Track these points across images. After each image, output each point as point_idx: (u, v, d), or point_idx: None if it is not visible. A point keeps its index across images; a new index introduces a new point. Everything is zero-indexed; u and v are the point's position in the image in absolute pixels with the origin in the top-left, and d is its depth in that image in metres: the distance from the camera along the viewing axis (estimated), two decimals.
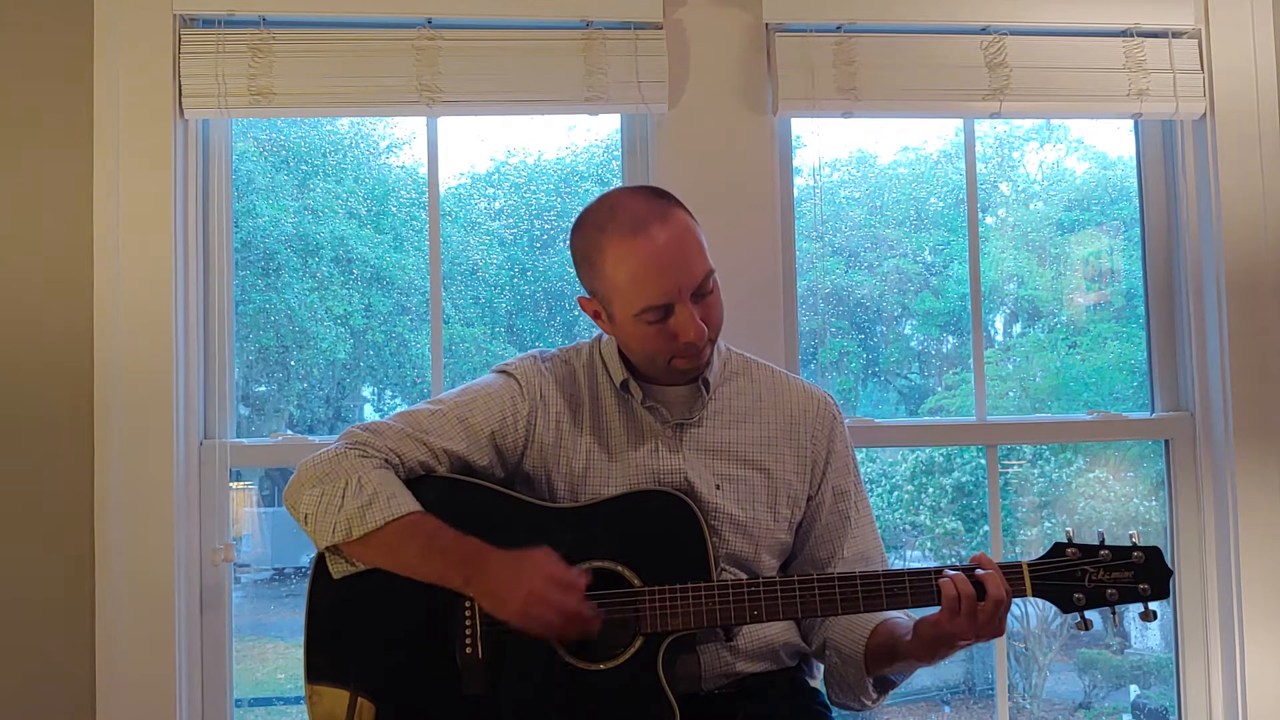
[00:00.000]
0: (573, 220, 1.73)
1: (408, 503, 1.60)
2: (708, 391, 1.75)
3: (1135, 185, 2.63)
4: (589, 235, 1.67)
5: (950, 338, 2.92)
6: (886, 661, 1.66)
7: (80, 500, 2.17)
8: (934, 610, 1.60)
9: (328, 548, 1.63)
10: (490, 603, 1.55)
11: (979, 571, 1.58)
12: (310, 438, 2.35)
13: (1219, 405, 2.45)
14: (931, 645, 1.58)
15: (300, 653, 1.64)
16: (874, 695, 1.70)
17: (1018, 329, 2.98)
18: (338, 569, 1.64)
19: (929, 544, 2.99)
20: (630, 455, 1.72)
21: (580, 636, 1.55)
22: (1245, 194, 2.45)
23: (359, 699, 1.60)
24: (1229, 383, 2.42)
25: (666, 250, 1.60)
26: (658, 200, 1.67)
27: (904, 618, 1.68)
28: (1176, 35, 2.45)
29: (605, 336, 1.80)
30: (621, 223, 1.63)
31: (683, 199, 1.71)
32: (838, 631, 1.73)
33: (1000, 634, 1.58)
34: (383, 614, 1.62)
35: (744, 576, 1.72)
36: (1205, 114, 2.47)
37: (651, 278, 1.60)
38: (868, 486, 1.88)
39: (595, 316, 1.73)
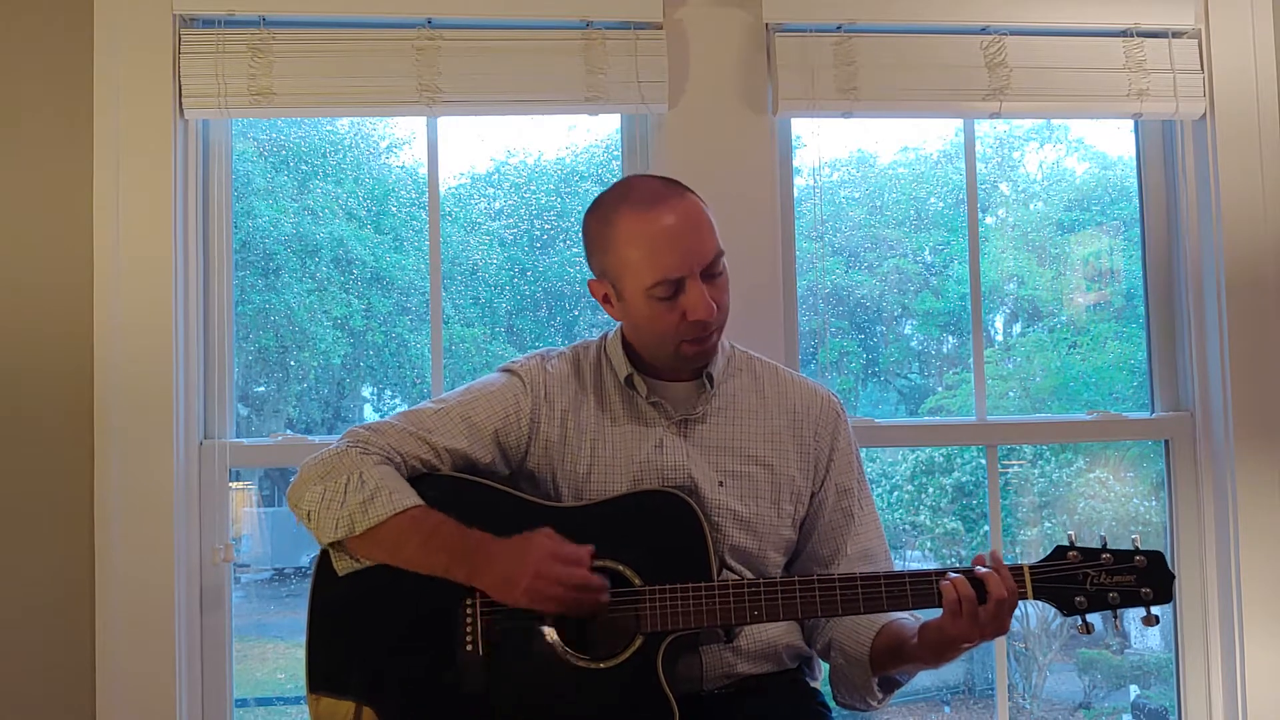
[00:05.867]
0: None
1: (409, 497, 1.61)
2: (711, 386, 1.76)
3: (1135, 185, 2.63)
4: (603, 214, 1.70)
5: (950, 338, 2.92)
6: (892, 664, 1.66)
7: (80, 501, 2.16)
8: (936, 612, 1.60)
9: (331, 544, 1.63)
10: (497, 589, 1.55)
11: (979, 570, 1.57)
12: (310, 438, 2.35)
13: (1219, 405, 2.45)
14: (936, 649, 1.58)
15: (301, 653, 1.64)
16: (879, 695, 1.70)
17: (1018, 329, 2.98)
18: (342, 565, 1.64)
19: (929, 544, 2.99)
20: (635, 452, 1.73)
21: (591, 609, 1.55)
22: (1245, 194, 2.45)
23: (362, 709, 1.60)
24: (1229, 383, 2.42)
25: (679, 225, 1.64)
26: (671, 184, 1.71)
27: (909, 619, 1.68)
28: (1176, 35, 2.45)
29: (611, 333, 1.81)
30: (636, 200, 1.67)
31: None
32: (843, 633, 1.73)
33: (1004, 632, 1.58)
34: (384, 613, 1.62)
35: (749, 574, 1.72)
36: (1205, 114, 2.47)
37: (664, 251, 1.63)
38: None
39: (604, 301, 1.74)
